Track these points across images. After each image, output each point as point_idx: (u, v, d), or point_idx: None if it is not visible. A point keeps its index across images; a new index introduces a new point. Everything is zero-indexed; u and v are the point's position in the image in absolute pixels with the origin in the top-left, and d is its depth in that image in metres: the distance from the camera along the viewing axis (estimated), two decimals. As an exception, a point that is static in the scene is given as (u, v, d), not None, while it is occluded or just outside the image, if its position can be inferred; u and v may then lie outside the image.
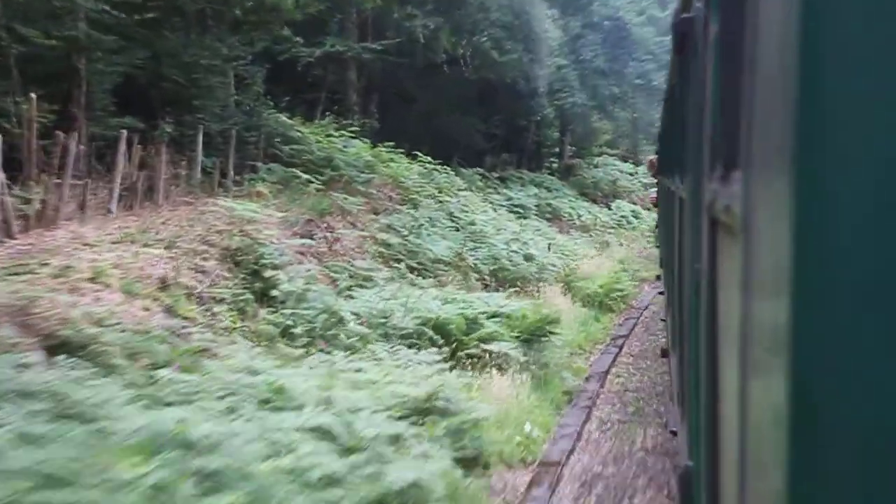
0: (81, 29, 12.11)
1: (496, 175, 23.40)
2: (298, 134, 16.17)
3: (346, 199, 13.29)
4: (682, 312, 4.45)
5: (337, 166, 15.19)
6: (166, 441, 4.62)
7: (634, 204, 28.97)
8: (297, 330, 9.22)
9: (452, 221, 15.45)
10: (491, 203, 19.57)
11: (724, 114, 1.97)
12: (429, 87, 23.40)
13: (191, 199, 11.96)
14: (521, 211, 20.55)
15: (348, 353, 8.21)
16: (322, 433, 5.43)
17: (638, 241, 24.22)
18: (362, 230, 13.27)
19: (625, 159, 35.66)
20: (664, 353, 7.98)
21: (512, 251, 15.00)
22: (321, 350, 8.48)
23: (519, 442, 7.09)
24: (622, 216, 26.14)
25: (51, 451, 4.15)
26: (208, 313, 8.61)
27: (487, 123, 26.06)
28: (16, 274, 7.30)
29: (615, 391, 9.47)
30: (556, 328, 9.68)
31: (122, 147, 10.97)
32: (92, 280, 7.64)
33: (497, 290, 13.55)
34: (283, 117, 16.44)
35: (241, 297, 9.72)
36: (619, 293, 15.50)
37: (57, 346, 6.20)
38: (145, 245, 9.06)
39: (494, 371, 8.47)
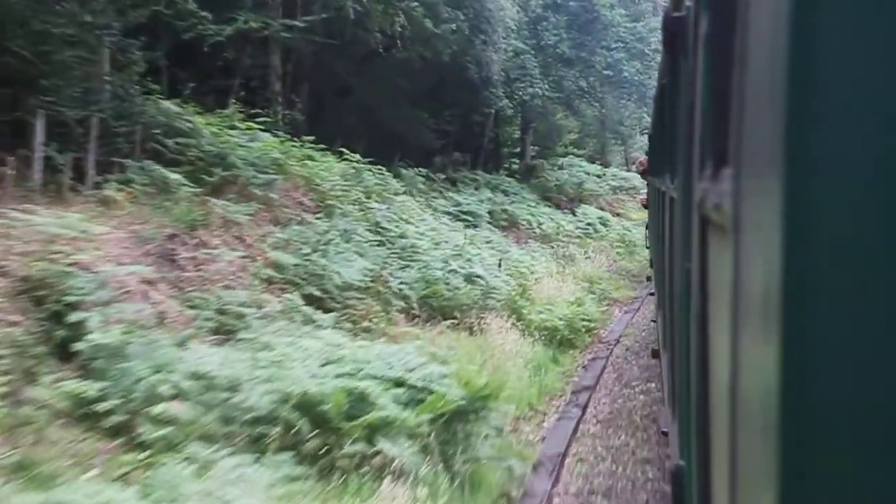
0: None
1: (443, 177, 20.29)
2: (189, 125, 12.96)
3: (226, 206, 10.17)
4: (672, 312, 4.34)
5: (231, 164, 12.05)
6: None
7: (602, 210, 26.13)
8: (106, 405, 6.24)
9: (377, 234, 12.37)
10: (433, 210, 16.48)
11: (714, 112, 1.98)
12: (367, 76, 20.31)
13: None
14: (471, 219, 17.46)
15: (144, 457, 5.15)
16: None
17: (606, 251, 21.32)
18: (250, 246, 10.19)
19: (592, 160, 33.07)
20: (655, 354, 7.83)
21: (450, 271, 11.94)
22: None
23: None
24: (588, 223, 23.23)
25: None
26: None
27: (438, 119, 23.00)
28: None
29: (574, 492, 6.46)
30: (492, 402, 6.63)
31: None
32: None
33: (427, 324, 10.54)
34: (170, 104, 13.18)
35: (30, 353, 6.73)
36: (584, 322, 12.56)
37: None
38: None
39: (387, 481, 5.43)
